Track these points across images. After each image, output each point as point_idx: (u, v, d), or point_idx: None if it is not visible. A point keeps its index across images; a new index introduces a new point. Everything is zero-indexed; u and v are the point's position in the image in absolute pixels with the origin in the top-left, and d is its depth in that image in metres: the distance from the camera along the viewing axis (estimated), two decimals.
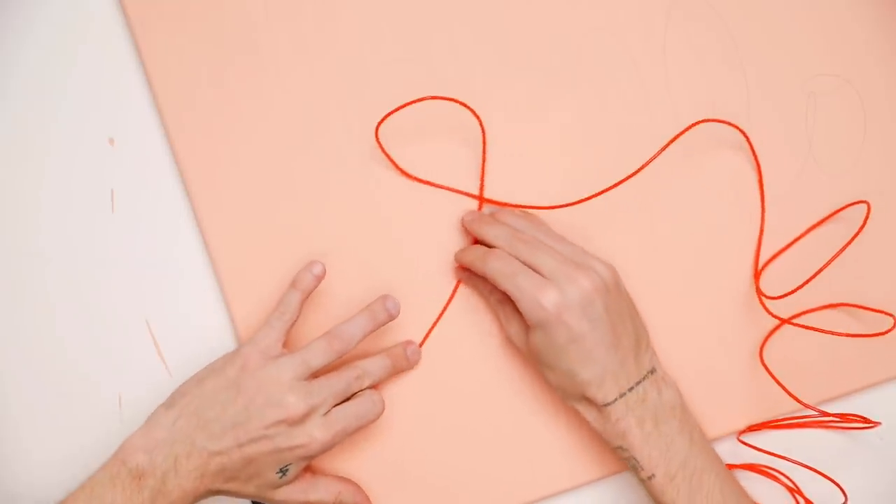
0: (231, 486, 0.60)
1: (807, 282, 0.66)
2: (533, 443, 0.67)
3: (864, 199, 0.69)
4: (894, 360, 0.69)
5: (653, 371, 0.63)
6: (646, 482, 0.61)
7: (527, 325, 0.63)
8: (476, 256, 0.64)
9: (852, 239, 0.67)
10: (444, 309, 0.68)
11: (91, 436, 0.66)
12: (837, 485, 0.66)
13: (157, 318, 0.68)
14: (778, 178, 0.69)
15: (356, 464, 0.67)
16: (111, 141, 0.68)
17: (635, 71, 0.68)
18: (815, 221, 0.69)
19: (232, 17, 0.67)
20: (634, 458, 0.61)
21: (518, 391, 0.67)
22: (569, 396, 0.63)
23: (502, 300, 0.65)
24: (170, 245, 0.67)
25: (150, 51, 0.67)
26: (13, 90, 0.68)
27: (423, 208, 0.68)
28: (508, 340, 0.66)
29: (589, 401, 0.62)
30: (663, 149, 0.66)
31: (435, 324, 0.68)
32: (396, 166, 0.67)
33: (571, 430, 0.67)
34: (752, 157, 0.68)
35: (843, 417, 0.67)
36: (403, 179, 0.67)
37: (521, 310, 0.61)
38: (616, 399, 0.61)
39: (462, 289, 0.68)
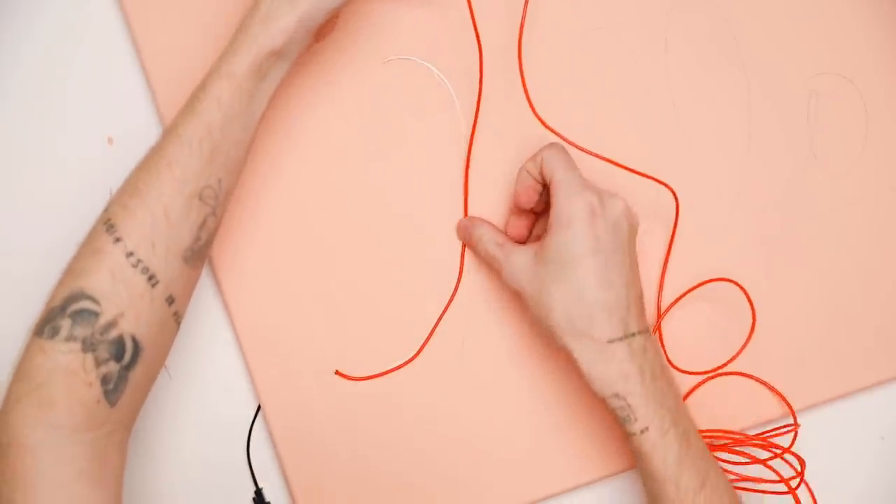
0: None
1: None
2: (533, 444, 0.67)
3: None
4: (894, 360, 0.69)
5: (648, 330, 0.62)
6: (636, 437, 0.59)
7: (536, 252, 0.61)
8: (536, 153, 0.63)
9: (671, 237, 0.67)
10: (445, 309, 0.68)
11: None
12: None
13: None
14: (779, 178, 0.69)
15: (357, 464, 0.67)
16: (110, 140, 0.68)
17: (636, 70, 0.68)
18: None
19: (231, 16, 0.67)
20: (629, 408, 0.59)
21: (519, 392, 0.68)
22: (568, 330, 0.60)
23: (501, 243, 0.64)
24: None
25: (149, 50, 0.67)
26: (13, 90, 0.68)
27: (426, 200, 0.68)
28: (505, 283, 0.64)
29: (590, 337, 0.60)
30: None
31: (437, 323, 0.68)
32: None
33: (572, 430, 0.67)
34: None
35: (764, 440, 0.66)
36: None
37: (556, 201, 0.60)
38: (621, 338, 0.59)
39: (464, 288, 0.68)
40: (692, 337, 0.68)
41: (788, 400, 0.67)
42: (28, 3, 0.68)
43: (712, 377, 0.67)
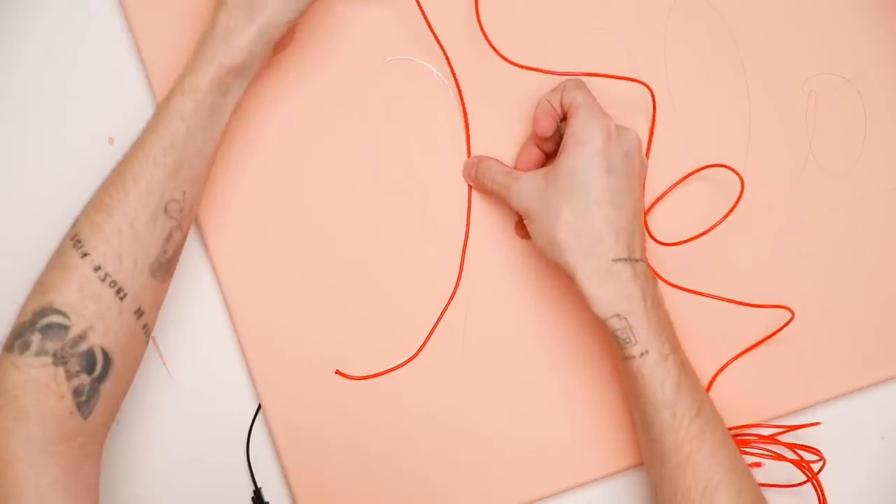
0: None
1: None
2: (534, 443, 0.67)
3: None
4: (894, 360, 0.69)
5: (648, 263, 0.62)
6: (635, 360, 0.59)
7: (547, 172, 0.61)
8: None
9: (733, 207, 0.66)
10: (445, 309, 0.68)
11: None
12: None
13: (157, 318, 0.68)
14: (779, 178, 0.69)
15: (357, 464, 0.67)
16: (111, 140, 0.68)
17: (636, 71, 0.68)
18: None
19: None
20: (630, 329, 0.59)
21: (519, 391, 0.68)
22: (574, 248, 0.60)
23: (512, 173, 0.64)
24: None
25: (149, 50, 0.67)
26: (13, 90, 0.68)
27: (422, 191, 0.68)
28: (512, 206, 0.64)
29: (596, 255, 0.59)
30: (673, 186, 0.66)
31: (437, 322, 0.68)
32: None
33: (573, 429, 0.67)
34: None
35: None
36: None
37: (573, 122, 0.61)
38: (626, 259, 0.59)
39: (463, 288, 0.68)
40: None
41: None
42: (28, 3, 0.68)
43: (720, 370, 0.67)
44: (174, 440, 0.67)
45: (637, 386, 0.60)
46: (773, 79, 0.69)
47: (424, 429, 0.67)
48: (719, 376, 0.67)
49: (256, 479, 0.67)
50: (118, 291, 0.56)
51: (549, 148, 0.65)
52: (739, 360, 0.67)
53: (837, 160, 0.69)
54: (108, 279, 0.56)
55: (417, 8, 0.65)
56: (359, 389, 0.67)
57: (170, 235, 0.59)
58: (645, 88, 0.65)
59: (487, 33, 0.66)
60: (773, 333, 0.67)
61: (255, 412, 0.68)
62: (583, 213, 0.60)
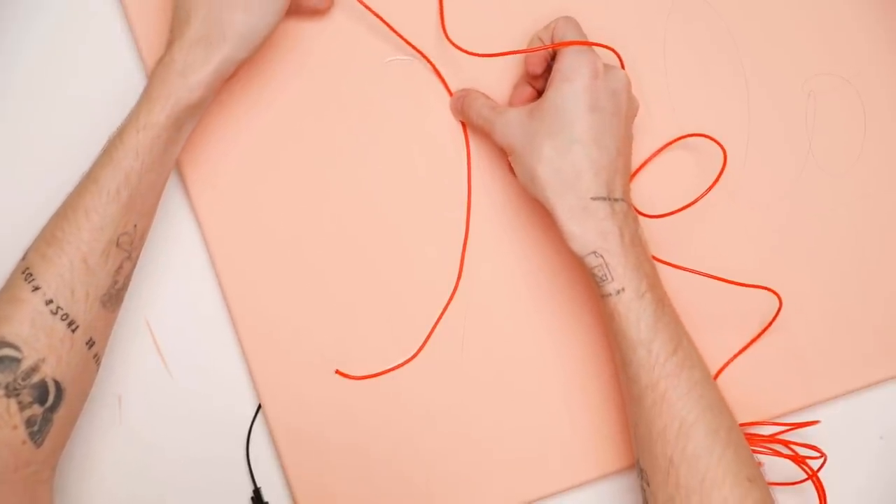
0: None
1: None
2: (533, 443, 0.67)
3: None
4: (894, 360, 0.69)
5: (631, 203, 0.61)
6: (612, 297, 0.59)
7: (532, 109, 0.61)
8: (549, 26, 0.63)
9: (718, 178, 0.66)
10: (445, 308, 0.68)
11: (91, 436, 0.66)
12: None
13: (157, 317, 0.68)
14: (778, 178, 0.69)
15: (358, 464, 0.67)
16: None
17: (635, 71, 0.68)
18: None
19: None
20: (606, 267, 0.59)
21: (518, 390, 0.68)
22: (553, 184, 0.59)
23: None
24: (169, 244, 0.68)
25: (149, 50, 0.67)
26: (13, 90, 0.68)
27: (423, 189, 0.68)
28: (496, 141, 0.64)
29: (574, 192, 0.59)
30: (653, 155, 0.66)
31: (437, 322, 0.68)
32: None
33: (572, 429, 0.67)
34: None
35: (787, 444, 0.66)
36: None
37: (561, 59, 0.60)
38: (604, 198, 0.59)
39: (463, 287, 0.68)
40: None
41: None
42: (28, 3, 0.68)
43: (721, 370, 0.67)
44: (174, 440, 0.67)
45: (614, 324, 0.60)
46: (772, 79, 0.69)
47: (424, 429, 0.67)
48: (720, 375, 0.67)
49: (256, 479, 0.68)
50: (70, 324, 0.57)
51: (540, 86, 0.65)
52: (738, 358, 0.67)
53: (837, 160, 0.69)
54: (60, 312, 0.56)
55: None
56: (359, 389, 0.67)
57: (120, 267, 0.59)
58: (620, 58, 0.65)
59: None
60: (768, 325, 0.67)
61: (255, 412, 0.68)
62: (564, 150, 0.59)
